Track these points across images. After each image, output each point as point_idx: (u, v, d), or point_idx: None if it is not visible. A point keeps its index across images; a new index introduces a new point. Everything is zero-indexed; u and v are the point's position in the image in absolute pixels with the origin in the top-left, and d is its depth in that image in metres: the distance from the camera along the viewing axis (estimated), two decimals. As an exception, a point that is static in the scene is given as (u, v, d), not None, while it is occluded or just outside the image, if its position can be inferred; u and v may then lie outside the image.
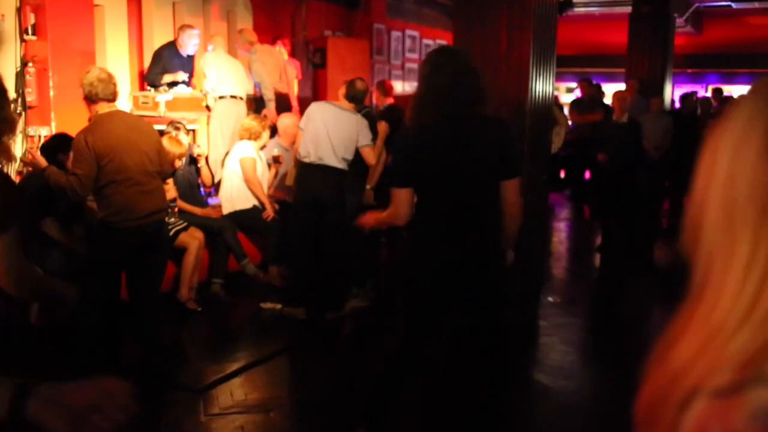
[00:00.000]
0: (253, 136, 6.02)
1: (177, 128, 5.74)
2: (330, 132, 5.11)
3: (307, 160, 5.17)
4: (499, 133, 2.92)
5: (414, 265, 3.04)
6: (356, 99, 5.29)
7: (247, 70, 7.27)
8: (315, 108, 5.28)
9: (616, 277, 6.99)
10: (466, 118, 2.86)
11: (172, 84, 6.70)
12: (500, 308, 3.08)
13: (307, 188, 5.21)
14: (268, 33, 8.40)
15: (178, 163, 5.41)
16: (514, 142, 3.03)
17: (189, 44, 6.84)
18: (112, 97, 3.96)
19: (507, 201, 2.91)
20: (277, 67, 7.50)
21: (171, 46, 6.86)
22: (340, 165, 5.19)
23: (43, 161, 4.16)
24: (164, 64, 6.73)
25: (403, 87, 11.27)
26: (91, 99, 3.93)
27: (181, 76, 6.76)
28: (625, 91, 7.37)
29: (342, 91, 5.39)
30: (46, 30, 5.40)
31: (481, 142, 2.87)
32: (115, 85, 4.00)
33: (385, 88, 7.25)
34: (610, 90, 13.51)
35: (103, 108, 3.93)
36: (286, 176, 6.07)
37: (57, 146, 4.63)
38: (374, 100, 7.09)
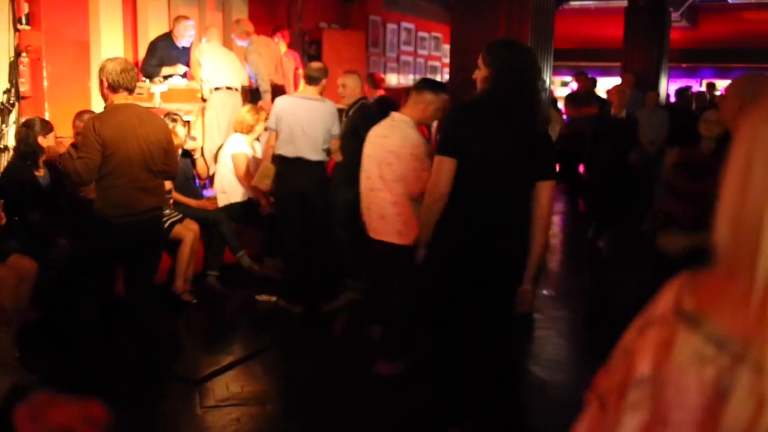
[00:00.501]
0: (245, 130, 5.99)
1: (174, 120, 5.70)
2: (304, 126, 5.08)
3: (286, 155, 5.14)
4: (544, 140, 3.00)
5: (445, 240, 3.02)
6: (312, 79, 5.20)
7: (242, 61, 7.23)
8: (283, 105, 5.20)
9: (611, 270, 7.01)
10: (522, 117, 2.90)
11: (168, 75, 6.67)
12: (508, 303, 3.08)
13: (288, 182, 5.19)
14: (263, 24, 8.36)
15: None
16: (554, 151, 3.13)
17: (185, 36, 6.81)
18: (132, 88, 3.91)
19: (540, 202, 2.92)
20: (274, 58, 7.46)
21: (167, 38, 6.83)
22: (320, 156, 5.18)
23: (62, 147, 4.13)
24: (160, 56, 6.70)
25: (398, 79, 11.25)
26: (113, 88, 3.84)
27: (181, 68, 6.74)
28: (623, 84, 7.36)
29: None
30: (40, 20, 5.36)
31: (528, 141, 2.90)
32: (137, 75, 4.00)
33: (375, 81, 7.24)
34: (605, 84, 13.57)
35: (119, 99, 3.86)
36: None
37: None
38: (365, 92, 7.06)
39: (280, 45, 7.92)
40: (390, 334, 4.21)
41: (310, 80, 5.21)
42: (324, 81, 5.25)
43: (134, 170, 3.84)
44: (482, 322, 3.07)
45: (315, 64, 5.38)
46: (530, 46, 3.08)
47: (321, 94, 5.26)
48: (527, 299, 3.04)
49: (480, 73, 2.95)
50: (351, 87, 5.44)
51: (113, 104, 3.85)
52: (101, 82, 3.87)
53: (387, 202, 3.98)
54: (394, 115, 4.08)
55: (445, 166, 2.88)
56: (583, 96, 10.11)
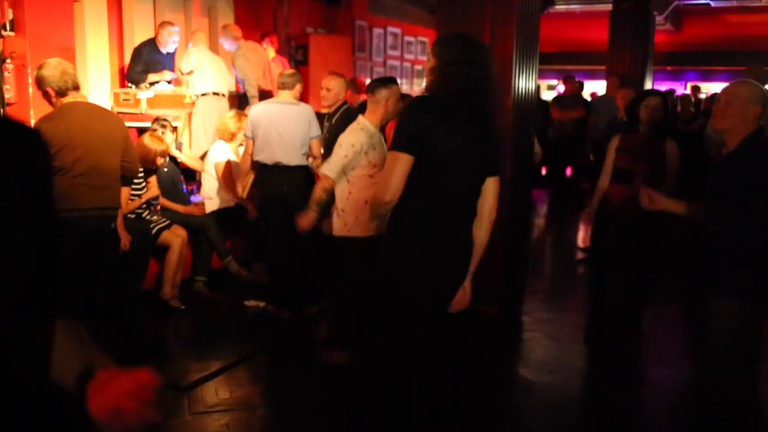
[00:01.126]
0: (228, 137, 5.98)
1: (163, 126, 5.69)
2: (281, 132, 5.08)
3: (263, 161, 5.14)
4: (494, 134, 2.85)
5: (405, 253, 2.75)
6: (284, 84, 5.23)
7: (230, 66, 7.23)
8: (257, 112, 5.21)
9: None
10: (478, 111, 2.73)
11: (154, 81, 6.66)
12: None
13: (269, 189, 5.19)
14: (250, 29, 8.35)
15: (161, 161, 5.37)
16: (499, 142, 2.98)
17: (169, 42, 6.79)
18: (78, 86, 3.95)
19: (487, 199, 2.81)
20: (261, 63, 7.46)
21: (151, 43, 6.81)
22: (299, 161, 5.18)
23: None
24: (145, 61, 6.68)
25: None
26: (61, 93, 3.87)
27: (168, 75, 6.72)
28: (628, 89, 7.47)
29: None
30: (25, 26, 5.33)
31: (481, 137, 2.75)
32: (75, 71, 4.02)
33: (357, 85, 7.23)
34: (591, 87, 13.63)
35: (69, 99, 3.89)
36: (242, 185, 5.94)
37: None
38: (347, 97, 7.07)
39: (268, 50, 7.92)
40: (334, 322, 4.53)
41: (284, 86, 5.23)
42: (298, 85, 5.26)
43: (83, 166, 3.85)
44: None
45: (287, 71, 5.44)
46: (484, 42, 2.87)
47: (298, 98, 5.28)
48: (463, 298, 2.90)
49: (427, 64, 2.81)
50: (335, 91, 5.44)
51: (62, 104, 3.89)
52: (45, 93, 3.91)
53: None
54: (360, 119, 4.23)
55: (399, 165, 2.59)
56: (570, 99, 10.17)
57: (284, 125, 5.09)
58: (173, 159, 5.98)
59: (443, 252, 2.74)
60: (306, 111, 5.23)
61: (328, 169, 4.13)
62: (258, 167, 5.27)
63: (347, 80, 6.43)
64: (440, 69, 2.70)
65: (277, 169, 5.11)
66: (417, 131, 2.60)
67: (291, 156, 5.11)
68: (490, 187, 2.80)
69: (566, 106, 9.91)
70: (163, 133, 5.59)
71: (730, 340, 2.92)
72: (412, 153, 2.59)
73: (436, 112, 2.64)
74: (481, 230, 2.83)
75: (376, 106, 4.17)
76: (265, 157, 5.12)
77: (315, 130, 5.22)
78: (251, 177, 5.47)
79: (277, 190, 5.15)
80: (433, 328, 2.85)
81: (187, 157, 6.18)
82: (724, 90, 3.03)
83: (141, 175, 5.28)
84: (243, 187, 5.54)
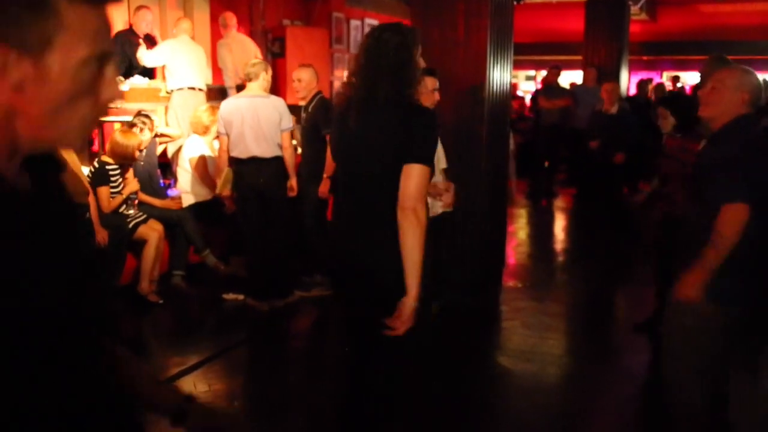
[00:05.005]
0: (201, 130, 5.95)
1: (144, 123, 5.63)
2: (252, 125, 5.08)
3: (238, 156, 5.15)
4: (404, 116, 2.48)
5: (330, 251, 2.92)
6: (250, 75, 5.21)
7: (209, 58, 7.23)
8: (228, 108, 5.20)
9: (577, 264, 7.13)
10: (386, 102, 2.49)
11: (128, 74, 6.61)
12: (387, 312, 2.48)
13: (245, 182, 5.20)
14: (225, 22, 8.32)
15: (137, 154, 5.35)
16: (425, 127, 2.50)
17: (141, 24, 6.80)
18: None
19: (403, 187, 2.42)
20: (246, 56, 7.46)
21: (128, 32, 6.82)
22: (274, 153, 5.18)
23: None
24: (125, 50, 6.66)
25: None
26: None
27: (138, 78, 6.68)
28: (615, 83, 7.60)
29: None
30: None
31: (391, 127, 2.48)
32: None
33: None
34: (568, 77, 13.69)
35: None
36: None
37: None
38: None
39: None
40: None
41: (249, 77, 5.21)
42: (263, 74, 5.23)
43: None
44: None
45: (251, 61, 5.41)
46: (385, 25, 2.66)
47: (267, 89, 5.27)
48: (403, 315, 2.42)
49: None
50: (306, 80, 5.43)
51: None
52: None
53: None
54: None
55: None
56: (557, 89, 10.25)
57: (256, 119, 5.09)
58: (150, 152, 5.93)
59: (343, 238, 2.71)
60: (276, 103, 5.22)
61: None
62: (233, 162, 5.26)
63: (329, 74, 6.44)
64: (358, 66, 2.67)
65: (253, 162, 5.12)
66: (332, 139, 2.81)
67: (265, 149, 5.11)
68: (404, 174, 2.43)
69: (554, 95, 9.99)
70: (141, 130, 5.55)
71: (685, 344, 2.73)
72: (335, 161, 2.81)
73: (337, 116, 2.72)
74: (400, 231, 2.42)
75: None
76: (240, 151, 5.12)
77: (286, 122, 5.22)
78: (230, 173, 5.45)
79: (253, 183, 5.15)
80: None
81: (169, 129, 6.16)
82: (712, 76, 2.84)
83: (117, 171, 5.26)
84: (223, 184, 5.51)
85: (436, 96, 4.09)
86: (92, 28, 0.94)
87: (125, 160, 5.26)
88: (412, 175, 2.41)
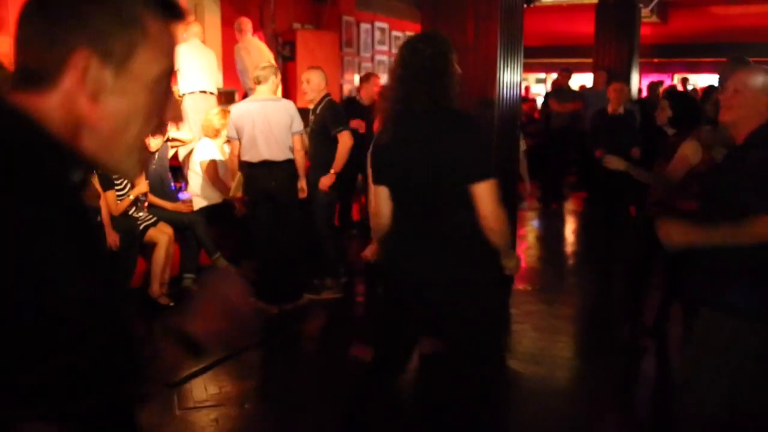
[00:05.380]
0: (212, 133, 5.98)
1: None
2: (264, 130, 5.11)
3: (250, 161, 5.17)
4: (464, 130, 2.53)
5: (384, 267, 2.81)
6: (260, 78, 5.24)
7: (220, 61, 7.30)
8: (239, 113, 5.23)
9: (587, 265, 7.11)
10: (425, 112, 2.51)
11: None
12: (468, 330, 2.67)
13: (257, 186, 5.22)
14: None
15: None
16: (481, 140, 2.61)
17: None
18: None
19: (478, 209, 2.50)
20: (261, 60, 7.51)
21: None
22: (285, 156, 5.20)
23: None
24: None
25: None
26: None
27: None
28: (621, 83, 7.53)
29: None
30: (9, 25, 5.32)
31: (440, 141, 2.50)
32: None
33: (370, 82, 7.24)
34: (578, 80, 13.68)
35: None
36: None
37: None
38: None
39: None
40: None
41: (259, 80, 5.24)
42: (273, 78, 5.27)
43: None
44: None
45: (261, 64, 5.43)
46: (438, 32, 2.70)
47: (276, 92, 5.30)
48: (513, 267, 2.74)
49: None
50: (315, 82, 5.46)
51: None
52: None
53: None
54: None
55: (378, 194, 2.71)
56: (569, 91, 10.24)
57: (267, 123, 5.11)
58: (162, 155, 5.97)
59: (406, 260, 2.66)
60: (287, 107, 5.25)
61: None
62: (245, 166, 5.29)
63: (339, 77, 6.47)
64: (397, 80, 2.63)
65: (265, 166, 5.14)
66: (374, 162, 2.77)
67: (276, 153, 5.14)
68: (474, 195, 2.51)
69: (565, 99, 9.98)
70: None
71: (714, 360, 2.57)
72: (379, 183, 2.70)
73: (379, 135, 2.68)
74: (489, 237, 2.57)
75: None
76: (252, 156, 5.15)
77: (297, 125, 5.25)
78: (240, 176, 5.48)
79: (265, 186, 5.18)
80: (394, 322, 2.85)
81: (179, 133, 6.20)
82: (732, 78, 2.65)
83: (122, 174, 5.28)
84: (236, 187, 5.54)
85: None
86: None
87: None
88: (485, 194, 2.50)
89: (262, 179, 5.17)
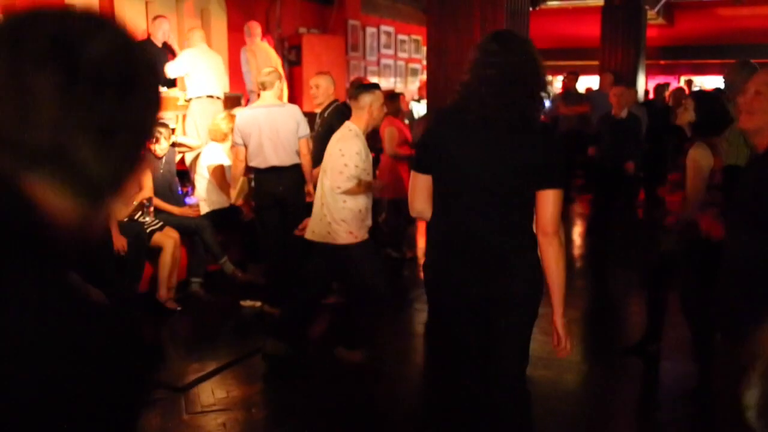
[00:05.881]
0: (220, 137, 6.00)
1: (160, 131, 5.69)
2: (271, 136, 5.12)
3: (258, 166, 5.17)
4: (539, 138, 2.46)
5: (428, 280, 2.68)
6: (266, 84, 5.25)
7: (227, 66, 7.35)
8: (244, 119, 5.23)
9: (597, 268, 7.09)
10: (505, 116, 2.41)
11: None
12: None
13: (265, 191, 5.22)
14: (242, 30, 8.38)
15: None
16: (558, 150, 2.53)
17: (158, 33, 6.93)
18: None
19: (540, 213, 2.45)
20: (266, 64, 7.54)
21: (146, 42, 6.90)
22: (293, 161, 5.22)
23: None
24: None
25: (379, 83, 11.28)
26: None
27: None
28: (621, 87, 7.51)
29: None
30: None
31: (514, 146, 2.43)
32: None
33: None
34: (584, 83, 13.66)
35: None
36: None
37: None
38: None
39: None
40: (355, 322, 4.62)
41: (264, 86, 5.25)
42: (278, 83, 5.29)
43: None
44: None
45: (265, 69, 5.42)
46: (516, 37, 2.56)
47: (281, 97, 5.32)
48: (560, 345, 2.66)
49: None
50: (324, 87, 5.47)
51: None
52: None
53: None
54: (349, 125, 4.20)
55: (417, 183, 2.59)
56: (576, 95, 10.23)
57: (274, 129, 5.12)
58: (169, 160, 5.99)
59: (451, 265, 2.57)
60: (293, 111, 5.26)
61: (347, 187, 4.06)
62: (253, 171, 5.30)
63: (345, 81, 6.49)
64: (464, 77, 2.52)
65: (273, 171, 5.15)
66: (428, 147, 2.58)
67: (284, 158, 5.15)
68: (540, 200, 2.45)
69: (572, 101, 9.97)
70: (157, 140, 5.59)
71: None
72: (425, 171, 2.56)
73: (448, 124, 2.53)
74: (543, 254, 2.49)
75: (361, 112, 4.16)
76: (260, 162, 5.16)
77: (303, 129, 5.26)
78: (244, 183, 5.49)
79: (273, 191, 5.19)
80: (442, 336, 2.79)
81: (186, 138, 6.22)
82: (753, 79, 2.42)
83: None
84: (237, 194, 5.54)
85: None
86: None
87: None
88: (553, 201, 2.44)
89: (271, 185, 5.18)
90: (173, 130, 6.13)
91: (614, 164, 7.25)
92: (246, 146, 5.19)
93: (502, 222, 2.48)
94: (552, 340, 2.74)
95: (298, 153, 5.25)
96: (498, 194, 2.46)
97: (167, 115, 6.67)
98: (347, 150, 4.07)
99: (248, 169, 5.34)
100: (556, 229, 2.46)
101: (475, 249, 2.50)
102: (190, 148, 6.36)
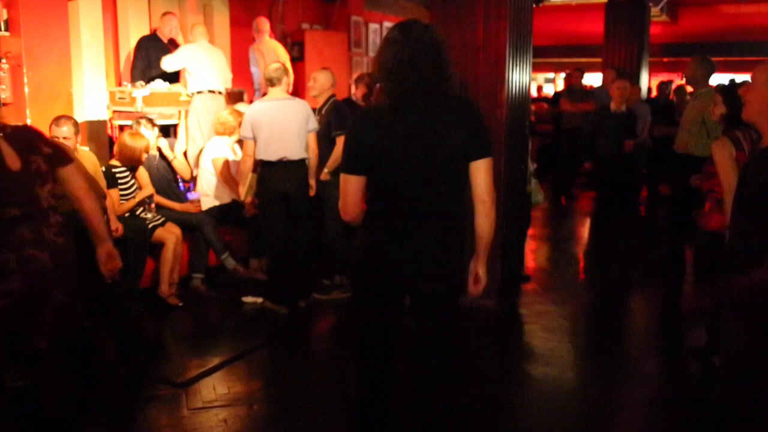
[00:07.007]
0: (228, 131, 6.00)
1: (138, 123, 5.71)
2: (281, 127, 5.11)
3: (268, 159, 5.17)
4: (464, 113, 2.56)
5: (361, 261, 2.72)
6: (273, 80, 5.25)
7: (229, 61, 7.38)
8: (255, 112, 5.22)
9: (599, 264, 7.09)
10: (424, 99, 2.50)
11: (150, 79, 6.67)
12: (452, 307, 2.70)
13: (272, 185, 5.21)
14: (245, 26, 8.37)
15: (144, 156, 5.39)
16: (482, 121, 2.60)
17: (165, 29, 6.95)
18: None
19: (475, 182, 2.57)
20: (274, 61, 7.54)
21: (151, 38, 6.93)
22: (301, 155, 5.21)
23: None
24: (145, 56, 6.75)
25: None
26: None
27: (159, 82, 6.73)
28: (625, 81, 7.48)
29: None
30: (20, 25, 5.34)
31: (442, 126, 2.51)
32: None
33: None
34: (587, 80, 13.64)
35: None
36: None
37: None
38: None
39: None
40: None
41: (272, 82, 5.25)
42: (286, 79, 5.30)
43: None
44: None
45: (272, 66, 5.40)
46: (411, 22, 2.60)
47: (289, 92, 5.33)
48: (474, 286, 2.70)
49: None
50: (321, 81, 5.49)
51: None
52: None
53: None
54: None
55: (351, 185, 2.61)
56: (580, 92, 10.20)
57: (283, 121, 5.12)
58: (164, 158, 6.01)
59: (383, 241, 2.63)
60: (303, 105, 5.27)
61: None
62: (261, 164, 5.28)
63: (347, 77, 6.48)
64: (373, 70, 2.63)
65: (282, 164, 5.14)
66: (356, 147, 2.62)
67: (294, 150, 5.15)
68: (474, 172, 2.57)
69: (577, 98, 9.94)
70: (137, 129, 5.59)
71: (736, 370, 2.44)
72: (358, 173, 2.60)
73: (365, 121, 2.61)
74: (477, 217, 2.60)
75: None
76: (271, 154, 5.14)
77: (312, 123, 5.27)
78: (253, 179, 5.47)
79: (280, 186, 5.18)
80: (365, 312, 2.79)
81: (177, 162, 6.19)
82: (753, 70, 2.52)
83: (126, 174, 5.31)
84: (247, 191, 5.52)
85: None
86: None
87: (132, 162, 5.31)
88: (485, 170, 2.57)
89: (278, 179, 5.16)
90: (157, 126, 6.07)
91: (614, 159, 7.24)
92: (255, 140, 5.17)
93: (440, 202, 2.58)
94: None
95: (306, 147, 5.26)
96: (431, 172, 2.53)
97: (169, 111, 6.67)
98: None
99: (255, 163, 5.33)
100: (492, 197, 2.59)
101: (414, 228, 2.58)
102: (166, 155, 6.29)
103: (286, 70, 5.36)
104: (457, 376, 2.85)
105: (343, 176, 2.64)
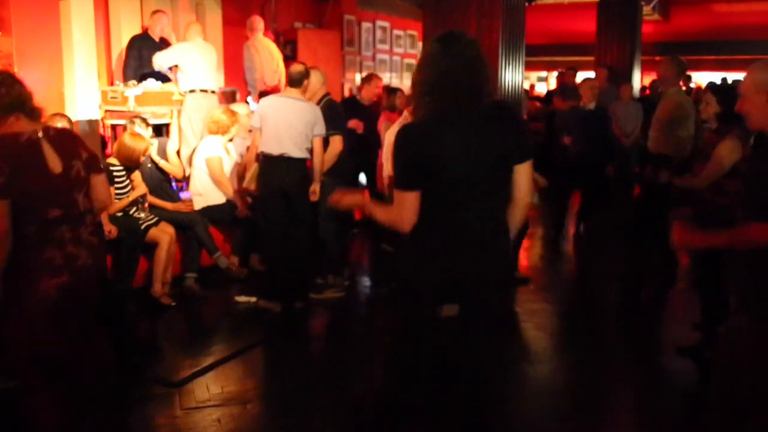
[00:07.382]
0: (221, 130, 5.98)
1: (132, 122, 5.67)
2: (289, 124, 5.11)
3: (270, 153, 5.16)
4: (506, 118, 2.63)
5: (417, 278, 2.69)
6: (294, 81, 5.26)
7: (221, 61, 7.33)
8: (268, 104, 5.24)
9: (587, 261, 7.10)
10: (478, 108, 2.53)
11: (142, 77, 6.65)
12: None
13: (272, 180, 5.21)
14: (237, 25, 8.36)
15: (142, 159, 5.38)
16: (523, 123, 2.74)
17: (156, 27, 6.94)
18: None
19: (519, 185, 2.63)
20: (270, 60, 7.52)
21: (142, 37, 6.90)
22: (303, 155, 5.21)
23: None
24: (137, 55, 6.74)
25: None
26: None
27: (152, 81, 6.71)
28: (595, 78, 7.51)
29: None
30: (11, 25, 5.32)
31: (489, 135, 2.55)
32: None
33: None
34: (580, 78, 13.67)
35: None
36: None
37: None
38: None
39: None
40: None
41: (292, 82, 5.25)
42: (306, 82, 5.30)
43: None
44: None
45: (296, 67, 5.38)
46: (459, 33, 2.67)
47: (304, 95, 5.31)
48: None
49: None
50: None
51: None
52: None
53: None
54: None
55: (409, 201, 2.57)
56: (572, 90, 10.20)
57: (292, 119, 5.12)
58: (151, 160, 5.99)
59: (444, 252, 2.62)
60: (313, 109, 5.26)
61: None
62: (262, 158, 5.28)
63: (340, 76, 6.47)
64: (418, 79, 2.63)
65: (283, 160, 5.14)
66: (411, 165, 2.56)
67: (296, 149, 5.15)
68: (518, 175, 2.62)
69: (570, 97, 9.94)
70: (132, 128, 5.57)
71: (741, 364, 2.43)
72: (415, 188, 2.55)
73: (415, 137, 2.57)
74: (512, 219, 2.69)
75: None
76: (273, 148, 5.14)
77: (319, 128, 5.24)
78: (256, 168, 5.48)
79: (279, 181, 5.17)
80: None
81: (167, 164, 6.18)
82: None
83: (122, 173, 5.29)
84: (251, 178, 5.54)
85: None
86: None
87: (130, 162, 5.28)
88: (529, 172, 2.65)
89: (277, 174, 5.16)
90: (150, 126, 6.06)
91: (586, 156, 7.25)
92: (260, 131, 5.19)
93: (491, 209, 2.64)
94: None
95: (310, 150, 5.24)
96: (488, 183, 2.58)
97: (162, 111, 6.65)
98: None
99: (257, 155, 5.34)
100: (531, 197, 2.73)
101: (468, 240, 2.60)
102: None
103: (308, 74, 5.35)
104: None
105: (398, 193, 2.59)
